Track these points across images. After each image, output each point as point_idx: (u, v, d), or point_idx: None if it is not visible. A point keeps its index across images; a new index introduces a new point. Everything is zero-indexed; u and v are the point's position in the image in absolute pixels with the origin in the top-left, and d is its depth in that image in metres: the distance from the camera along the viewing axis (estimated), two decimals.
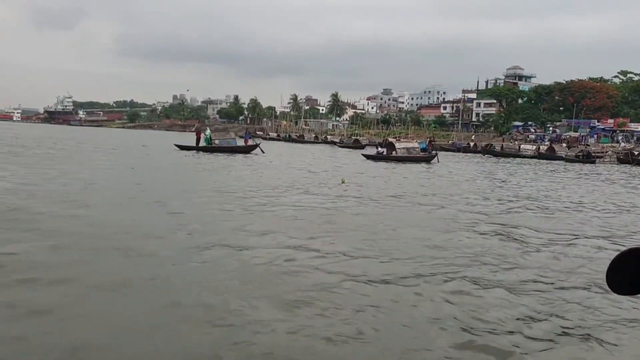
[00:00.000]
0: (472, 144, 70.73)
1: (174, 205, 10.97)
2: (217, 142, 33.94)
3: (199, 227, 8.84)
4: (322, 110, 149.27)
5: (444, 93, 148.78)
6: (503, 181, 23.12)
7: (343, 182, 19.28)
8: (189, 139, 40.06)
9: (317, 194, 14.69)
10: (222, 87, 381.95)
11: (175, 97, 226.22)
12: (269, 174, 20.74)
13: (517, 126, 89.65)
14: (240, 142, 38.64)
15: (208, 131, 36.88)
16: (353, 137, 72.80)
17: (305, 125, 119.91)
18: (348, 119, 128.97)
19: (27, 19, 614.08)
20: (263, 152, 33.48)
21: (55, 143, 37.43)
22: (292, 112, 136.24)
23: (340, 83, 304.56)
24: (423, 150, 36.19)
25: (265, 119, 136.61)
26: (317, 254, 7.34)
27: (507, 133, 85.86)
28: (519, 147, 60.36)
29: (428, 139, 57.85)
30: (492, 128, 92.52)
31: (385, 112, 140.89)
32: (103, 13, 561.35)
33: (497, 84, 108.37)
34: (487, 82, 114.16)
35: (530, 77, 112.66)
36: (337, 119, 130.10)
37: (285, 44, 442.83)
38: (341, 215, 11.14)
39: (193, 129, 49.30)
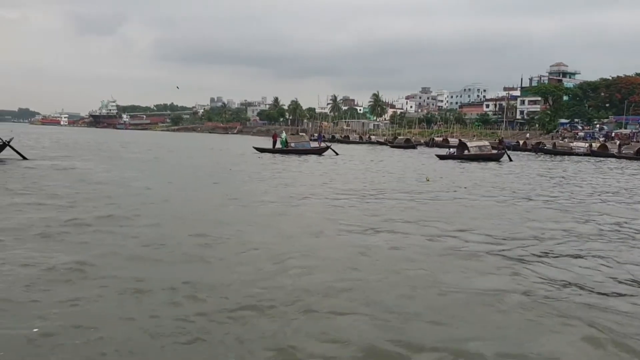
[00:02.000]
0: (521, 142, 70.76)
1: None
2: (292, 144, 35.48)
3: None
4: (360, 110, 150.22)
5: (484, 91, 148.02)
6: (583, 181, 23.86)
7: (428, 180, 20.43)
8: (250, 141, 41.55)
9: (422, 192, 15.74)
10: (257, 89, 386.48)
11: (212, 99, 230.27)
12: (368, 176, 21.51)
13: (564, 124, 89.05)
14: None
15: (284, 134, 38.39)
16: (404, 137, 73.36)
17: (347, 126, 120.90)
18: (388, 118, 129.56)
19: (70, 26, 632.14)
20: (337, 153, 34.91)
21: (140, 147, 39.76)
22: (331, 113, 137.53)
23: (376, 82, 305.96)
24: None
25: (305, 120, 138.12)
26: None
27: (555, 131, 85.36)
28: (571, 145, 60.36)
29: (499, 139, 58.71)
30: (537, 126, 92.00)
31: (425, 110, 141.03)
32: (142, 18, 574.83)
33: (541, 81, 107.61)
34: (530, 80, 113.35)
35: (574, 74, 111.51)
36: (379, 118, 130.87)
37: (320, 44, 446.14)
38: (476, 208, 12.33)
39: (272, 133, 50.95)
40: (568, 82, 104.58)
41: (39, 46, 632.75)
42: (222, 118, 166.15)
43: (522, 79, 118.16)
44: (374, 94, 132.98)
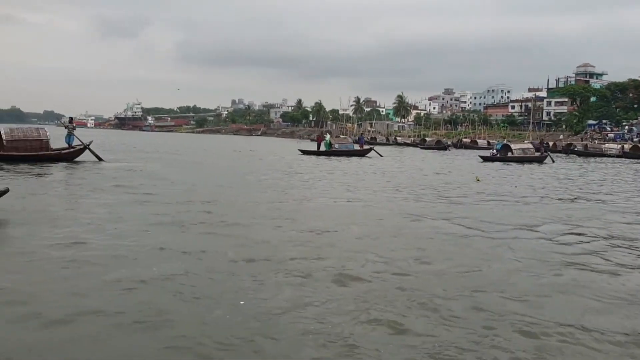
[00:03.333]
0: (551, 143, 70.68)
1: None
2: (336, 146, 36.27)
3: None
4: (383, 111, 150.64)
5: (509, 92, 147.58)
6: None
7: (478, 180, 21.05)
8: (277, 143, 42.28)
9: (505, 194, 16.27)
10: (278, 91, 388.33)
11: (233, 101, 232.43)
12: (426, 177, 21.97)
13: (592, 125, 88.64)
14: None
15: (328, 137, 39.22)
16: (435, 139, 73.68)
17: (370, 127, 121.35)
18: (412, 119, 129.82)
19: (94, 29, 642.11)
20: (380, 155, 35.67)
21: (178, 150, 40.89)
22: (354, 115, 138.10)
23: (397, 83, 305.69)
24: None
25: (329, 122, 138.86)
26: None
27: (583, 132, 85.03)
28: (603, 146, 60.25)
29: (540, 139, 58.83)
30: (565, 127, 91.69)
31: (449, 111, 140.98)
32: (165, 21, 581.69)
33: (568, 82, 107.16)
34: (557, 81, 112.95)
35: (601, 75, 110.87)
36: (403, 120, 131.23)
37: (341, 45, 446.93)
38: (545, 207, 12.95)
39: (313, 136, 51.88)
40: (595, 83, 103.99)
41: (63, 49, 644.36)
42: (246, 120, 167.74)
43: (548, 80, 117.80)
44: (399, 96, 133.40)
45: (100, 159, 22.26)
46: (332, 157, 33.42)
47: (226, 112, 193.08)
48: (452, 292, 5.83)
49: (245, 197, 13.37)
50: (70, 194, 12.77)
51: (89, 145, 22.58)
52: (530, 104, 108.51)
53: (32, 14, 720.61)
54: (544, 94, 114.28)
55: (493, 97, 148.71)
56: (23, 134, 21.47)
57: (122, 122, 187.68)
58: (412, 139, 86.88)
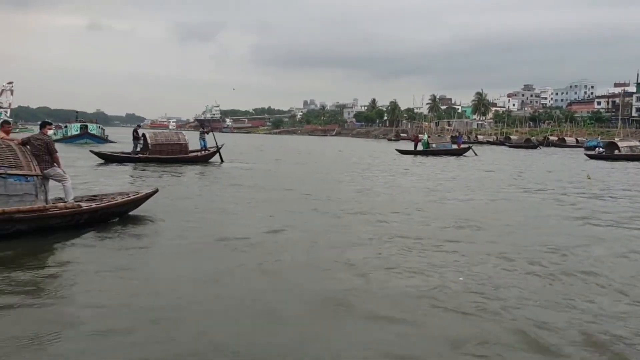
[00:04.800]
0: None
1: None
2: (434, 145, 36.83)
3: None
4: (459, 109, 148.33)
5: (592, 87, 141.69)
6: None
7: (589, 178, 21.16)
8: (353, 143, 42.85)
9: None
10: (349, 91, 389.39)
11: (305, 102, 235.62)
12: (539, 176, 22.21)
13: None
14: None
15: (425, 136, 39.82)
16: (524, 137, 72.28)
17: (448, 126, 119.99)
18: (491, 117, 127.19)
19: (172, 34, 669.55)
20: (476, 154, 35.94)
21: (267, 149, 42.77)
22: (430, 113, 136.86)
23: (473, 80, 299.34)
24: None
25: (404, 121, 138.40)
26: None
27: None
28: None
29: None
30: None
31: (529, 108, 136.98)
32: (239, 25, 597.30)
33: None
34: None
35: None
36: (482, 117, 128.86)
37: (414, 43, 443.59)
38: None
39: (410, 136, 52.41)
40: None
41: (144, 54, 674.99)
42: (320, 120, 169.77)
43: (638, 74, 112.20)
44: (478, 93, 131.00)
45: (222, 160, 24.01)
46: (429, 156, 33.98)
47: (300, 114, 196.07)
48: None
49: (397, 197, 14.40)
50: (212, 191, 14.43)
51: (220, 148, 24.41)
52: (618, 100, 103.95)
53: (117, 21, 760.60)
54: (632, 88, 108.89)
55: (576, 92, 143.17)
56: (165, 138, 23.62)
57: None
58: (495, 137, 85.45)
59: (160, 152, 22.82)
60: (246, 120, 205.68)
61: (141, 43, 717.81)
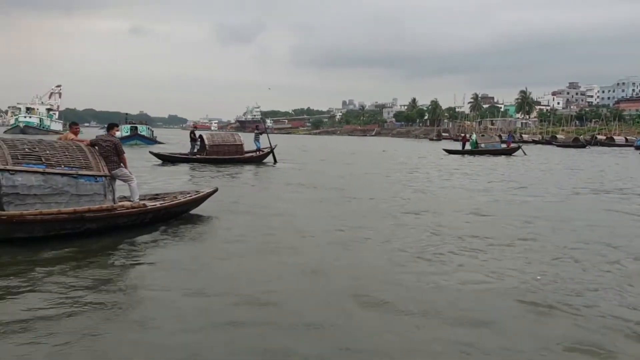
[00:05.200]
0: None
1: None
2: (482, 145, 36.48)
3: None
4: (502, 108, 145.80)
5: None
6: None
7: None
8: (394, 143, 42.55)
9: None
10: (387, 90, 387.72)
11: (344, 102, 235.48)
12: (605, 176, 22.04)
13: None
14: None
15: (474, 136, 39.51)
16: (573, 136, 70.74)
17: (492, 125, 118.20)
18: (536, 116, 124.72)
19: (213, 36, 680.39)
20: (525, 153, 35.46)
21: (311, 149, 43.06)
22: (472, 112, 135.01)
23: (516, 78, 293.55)
24: None
25: (445, 120, 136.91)
26: None
27: None
28: None
29: None
30: None
31: (575, 107, 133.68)
32: (280, 26, 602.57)
33: None
34: None
35: None
36: (526, 116, 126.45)
37: (455, 42, 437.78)
38: None
39: (461, 135, 52.24)
40: None
41: (185, 56, 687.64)
42: (360, 121, 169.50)
43: None
44: (522, 91, 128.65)
45: (275, 161, 24.41)
46: (478, 156, 33.67)
47: (340, 114, 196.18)
48: None
49: (455, 197, 14.46)
50: (270, 190, 14.84)
51: (273, 149, 24.84)
52: None
53: (159, 25, 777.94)
54: None
55: (623, 90, 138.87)
56: (222, 140, 24.23)
57: (243, 125, 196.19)
58: (540, 136, 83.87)
59: (217, 153, 23.39)
60: (286, 121, 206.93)
61: (182, 45, 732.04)
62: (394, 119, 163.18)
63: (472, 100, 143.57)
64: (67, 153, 8.16)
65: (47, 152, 7.98)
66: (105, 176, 8.39)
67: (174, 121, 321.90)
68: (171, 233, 8.49)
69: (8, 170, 7.41)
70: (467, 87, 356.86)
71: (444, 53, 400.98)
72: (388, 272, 6.60)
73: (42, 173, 7.69)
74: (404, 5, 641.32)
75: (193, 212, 9.99)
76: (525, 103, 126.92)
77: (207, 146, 23.63)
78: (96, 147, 8.82)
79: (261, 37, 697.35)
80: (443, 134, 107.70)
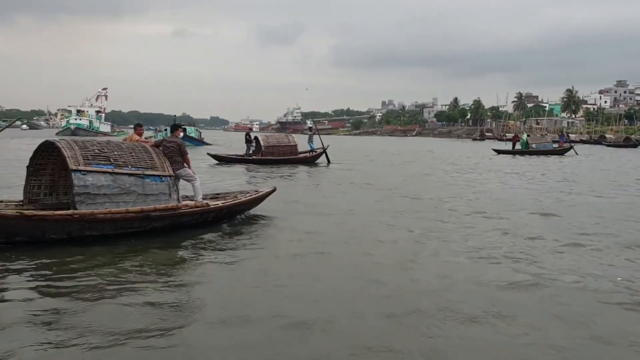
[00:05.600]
0: None
1: None
2: (533, 145, 35.77)
3: None
4: (547, 107, 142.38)
5: None
6: None
7: None
8: (435, 143, 41.94)
9: None
10: (426, 90, 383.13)
11: (383, 102, 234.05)
12: None
13: None
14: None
15: (525, 136, 38.84)
16: (623, 136, 68.59)
17: (537, 124, 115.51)
18: (582, 115, 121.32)
19: (254, 39, 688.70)
20: (577, 153, 34.58)
21: (399, 154, 42.92)
22: (515, 111, 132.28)
23: (560, 77, 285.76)
24: None
25: (489, 120, 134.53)
26: None
27: None
28: None
29: None
30: None
31: (623, 105, 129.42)
32: (320, 27, 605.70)
33: None
34: None
35: None
36: (573, 116, 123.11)
37: (498, 40, 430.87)
38: None
39: (510, 136, 51.52)
40: None
41: (226, 58, 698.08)
42: (400, 121, 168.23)
43: None
44: (568, 90, 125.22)
45: (329, 162, 24.45)
46: (528, 156, 32.99)
47: (380, 114, 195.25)
48: None
49: (517, 197, 14.17)
50: (326, 189, 15.06)
51: (326, 149, 24.93)
52: None
53: (201, 28, 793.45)
54: None
55: None
56: (276, 141, 24.72)
57: (284, 126, 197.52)
58: (588, 135, 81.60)
59: (272, 154, 23.88)
60: (326, 122, 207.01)
61: (224, 48, 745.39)
62: (435, 119, 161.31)
63: (515, 99, 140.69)
64: (133, 154, 8.38)
65: (115, 152, 8.20)
66: (169, 176, 8.60)
67: (215, 123, 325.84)
68: (233, 232, 8.66)
69: (80, 171, 7.61)
70: (509, 86, 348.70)
71: (484, 52, 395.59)
72: (474, 271, 6.58)
73: (111, 173, 7.92)
74: (444, 5, 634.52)
75: (253, 211, 10.09)
76: (571, 102, 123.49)
77: (262, 147, 24.14)
78: (160, 148, 9.03)
79: (301, 38, 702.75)
80: (486, 133, 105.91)
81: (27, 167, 8.66)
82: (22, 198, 8.67)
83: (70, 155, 7.68)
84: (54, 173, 8.84)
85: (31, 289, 5.61)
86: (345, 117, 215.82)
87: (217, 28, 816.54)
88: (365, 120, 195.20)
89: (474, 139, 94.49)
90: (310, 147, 26.49)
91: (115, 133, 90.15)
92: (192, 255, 7.21)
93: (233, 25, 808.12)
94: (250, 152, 25.20)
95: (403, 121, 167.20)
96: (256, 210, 10.16)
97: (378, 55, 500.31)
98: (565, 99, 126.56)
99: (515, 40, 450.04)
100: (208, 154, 25.14)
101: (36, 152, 8.54)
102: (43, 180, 8.78)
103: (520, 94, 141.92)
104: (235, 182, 16.25)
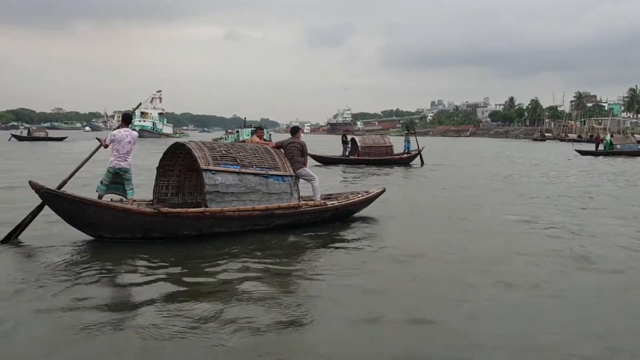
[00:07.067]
0: None
1: None
2: (618, 146, 34.96)
3: None
4: (606, 107, 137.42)
5: None
6: None
7: None
8: (494, 143, 41.35)
9: None
10: (478, 89, 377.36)
11: (432, 102, 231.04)
12: None
13: None
14: None
15: (608, 136, 37.98)
16: None
17: (598, 125, 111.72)
18: None
19: (304, 40, 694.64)
20: None
21: (469, 152, 42.55)
22: (574, 111, 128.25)
23: (619, 75, 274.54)
24: None
25: (547, 120, 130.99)
26: None
27: None
28: None
29: None
30: None
31: None
32: (368, 27, 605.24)
33: None
34: None
35: None
36: (637, 116, 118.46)
37: (553, 38, 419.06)
38: None
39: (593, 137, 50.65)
40: None
41: (276, 60, 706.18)
42: (453, 121, 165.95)
43: None
44: (631, 89, 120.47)
45: (422, 163, 24.57)
46: (612, 157, 32.46)
47: (431, 114, 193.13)
48: None
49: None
50: (430, 191, 15.13)
51: (421, 150, 25.03)
52: None
53: (251, 30, 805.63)
54: None
55: None
56: (372, 142, 25.28)
57: (334, 128, 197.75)
58: None
59: (368, 155, 24.50)
60: (376, 122, 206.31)
61: (274, 50, 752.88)
62: (489, 119, 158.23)
63: (574, 98, 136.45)
64: (257, 155, 8.79)
65: (241, 154, 8.61)
66: (291, 176, 8.92)
67: (266, 124, 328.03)
68: (350, 231, 8.84)
69: (210, 170, 8.01)
70: (564, 85, 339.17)
71: (537, 50, 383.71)
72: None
73: (238, 173, 8.32)
74: (495, 3, 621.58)
75: (363, 212, 10.21)
76: (635, 101, 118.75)
77: (359, 148, 24.63)
78: (281, 149, 9.42)
79: (350, 39, 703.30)
80: (546, 134, 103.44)
81: (157, 168, 9.19)
82: (151, 198, 9.20)
83: (201, 155, 8.11)
84: (180, 174, 9.36)
85: (175, 282, 5.90)
86: (395, 117, 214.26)
87: (267, 30, 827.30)
88: (417, 121, 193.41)
89: (535, 139, 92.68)
90: (407, 147, 26.72)
91: (177, 134, 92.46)
92: (320, 253, 7.46)
93: (282, 27, 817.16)
94: (347, 153, 25.73)
95: (456, 121, 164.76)
96: (366, 212, 10.21)
97: (426, 55, 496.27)
98: (627, 99, 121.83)
99: (569, 38, 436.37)
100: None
101: (165, 153, 9.06)
102: (170, 181, 9.30)
103: (580, 94, 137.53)
104: (335, 182, 16.56)
